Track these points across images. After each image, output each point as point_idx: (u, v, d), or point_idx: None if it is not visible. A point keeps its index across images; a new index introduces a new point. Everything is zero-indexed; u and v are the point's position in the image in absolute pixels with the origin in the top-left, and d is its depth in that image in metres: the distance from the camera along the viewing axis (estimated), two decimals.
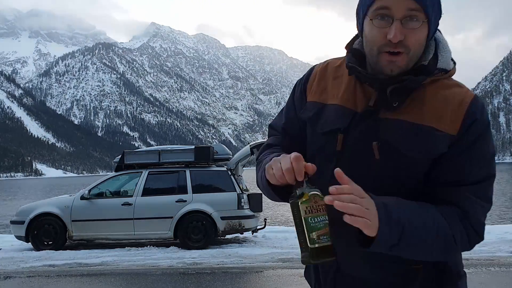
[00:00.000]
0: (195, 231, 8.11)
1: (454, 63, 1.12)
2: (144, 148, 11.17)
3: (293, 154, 0.97)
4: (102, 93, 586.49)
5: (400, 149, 1.02)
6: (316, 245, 0.89)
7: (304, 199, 0.90)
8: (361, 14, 1.07)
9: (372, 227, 0.90)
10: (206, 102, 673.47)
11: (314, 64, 1.29)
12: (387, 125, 1.05)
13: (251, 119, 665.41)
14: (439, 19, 1.06)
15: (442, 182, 1.03)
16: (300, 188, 0.93)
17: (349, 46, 1.16)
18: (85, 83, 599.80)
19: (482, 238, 1.03)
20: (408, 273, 1.06)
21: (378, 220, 0.90)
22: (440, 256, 1.00)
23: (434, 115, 1.03)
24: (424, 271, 1.06)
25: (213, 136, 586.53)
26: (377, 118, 1.06)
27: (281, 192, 1.06)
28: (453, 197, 1.01)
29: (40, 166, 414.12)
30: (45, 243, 8.25)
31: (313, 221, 0.89)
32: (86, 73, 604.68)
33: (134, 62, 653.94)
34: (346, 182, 0.91)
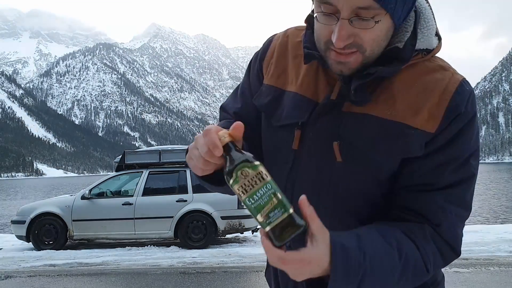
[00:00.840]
0: (196, 230, 8.13)
1: (439, 38, 0.89)
2: (144, 148, 11.20)
3: (205, 129, 0.75)
4: (102, 93, 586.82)
5: (365, 151, 0.84)
6: (270, 226, 0.68)
7: (232, 179, 0.70)
8: None
9: (319, 272, 0.73)
10: (207, 102, 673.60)
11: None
12: (351, 121, 0.85)
13: None
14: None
15: (410, 186, 0.85)
16: (225, 167, 0.72)
17: (309, 20, 0.91)
18: (86, 83, 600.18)
19: (458, 254, 0.86)
20: None
21: (332, 270, 0.72)
22: (410, 285, 0.82)
23: (409, 109, 0.83)
24: None
25: None
26: (340, 112, 0.86)
27: (219, 179, 0.82)
28: (423, 207, 0.83)
29: (41, 166, 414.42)
30: (46, 242, 8.27)
31: (254, 200, 0.69)
32: (86, 73, 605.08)
33: (135, 63, 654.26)
34: (307, 216, 0.70)
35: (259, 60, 1.01)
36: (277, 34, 1.03)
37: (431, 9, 0.87)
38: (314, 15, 0.82)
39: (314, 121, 0.88)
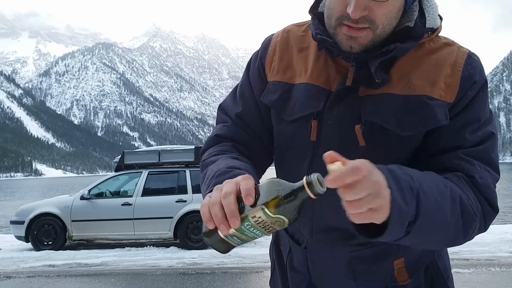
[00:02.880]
0: (195, 231, 8.10)
1: (441, 18, 0.92)
2: (144, 148, 11.18)
3: (223, 193, 0.69)
4: (102, 93, 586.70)
5: (390, 129, 0.84)
6: (226, 239, 0.73)
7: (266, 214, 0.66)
8: None
9: (381, 211, 0.65)
10: (206, 102, 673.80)
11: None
12: (371, 103, 0.85)
13: None
14: None
15: (437, 151, 0.85)
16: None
17: (313, 10, 0.93)
18: (85, 83, 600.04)
19: (497, 211, 0.84)
20: None
21: (392, 194, 0.66)
22: (460, 234, 0.78)
23: (425, 82, 0.84)
24: (412, 282, 0.91)
25: None
26: (357, 97, 0.86)
27: None
28: (454, 163, 0.83)
29: (40, 166, 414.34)
30: (45, 243, 8.24)
31: (249, 230, 0.69)
32: (86, 73, 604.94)
33: (134, 62, 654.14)
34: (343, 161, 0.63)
35: (259, 59, 0.99)
36: (275, 33, 1.02)
37: None
38: None
39: (331, 109, 0.86)
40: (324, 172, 0.65)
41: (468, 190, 0.80)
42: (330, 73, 0.89)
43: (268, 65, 0.97)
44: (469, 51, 0.88)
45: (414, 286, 0.91)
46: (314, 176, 0.63)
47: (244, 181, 0.67)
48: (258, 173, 0.92)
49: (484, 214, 0.80)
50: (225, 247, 0.77)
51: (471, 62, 0.86)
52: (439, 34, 0.90)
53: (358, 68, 0.85)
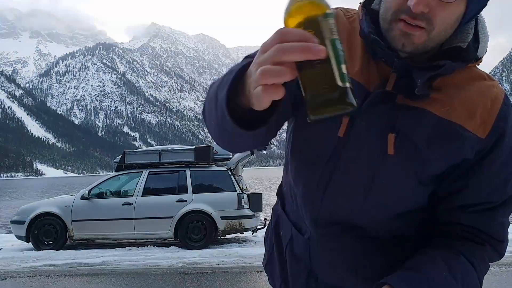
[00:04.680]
0: (195, 231, 8.12)
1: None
2: (144, 148, 11.19)
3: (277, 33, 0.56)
4: (102, 93, 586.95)
5: (418, 146, 0.82)
6: (348, 84, 0.54)
7: (329, 11, 0.55)
8: None
9: None
10: None
11: None
12: (408, 114, 0.82)
13: None
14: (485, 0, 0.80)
15: (470, 205, 0.84)
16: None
17: (366, 5, 0.88)
18: (86, 83, 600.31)
19: (502, 256, 0.89)
20: None
21: None
22: None
23: (464, 110, 0.81)
24: None
25: None
26: (395, 104, 0.83)
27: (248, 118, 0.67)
28: (487, 226, 0.85)
29: (40, 166, 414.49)
30: (46, 243, 8.25)
31: (342, 48, 0.55)
32: (86, 73, 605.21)
33: (135, 62, 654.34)
34: None
35: None
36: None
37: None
38: None
39: (367, 110, 0.83)
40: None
41: (484, 264, 0.85)
42: (371, 73, 0.85)
43: None
44: (505, 92, 0.87)
45: None
46: None
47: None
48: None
49: (492, 260, 0.88)
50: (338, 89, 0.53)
51: (508, 103, 0.84)
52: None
53: (400, 76, 0.82)
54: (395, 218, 0.87)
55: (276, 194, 1.11)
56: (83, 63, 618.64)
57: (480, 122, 0.81)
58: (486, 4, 0.80)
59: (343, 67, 0.54)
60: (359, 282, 0.90)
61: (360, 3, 0.90)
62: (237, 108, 0.66)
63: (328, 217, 0.89)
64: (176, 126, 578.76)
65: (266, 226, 0.93)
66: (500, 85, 0.88)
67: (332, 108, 0.54)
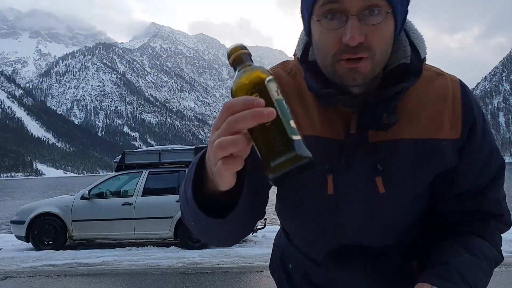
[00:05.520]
0: None
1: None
2: (144, 148, 11.18)
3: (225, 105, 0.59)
4: (102, 93, 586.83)
5: (409, 174, 0.85)
6: (299, 137, 0.57)
7: (270, 77, 0.60)
8: (306, 14, 0.82)
9: None
10: (206, 102, 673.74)
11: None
12: (386, 151, 0.84)
13: None
14: (407, 3, 0.82)
15: (462, 193, 0.90)
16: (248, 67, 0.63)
17: (300, 58, 0.89)
18: (86, 83, 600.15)
19: (511, 226, 0.95)
20: None
21: None
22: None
23: (433, 123, 0.84)
24: None
25: None
26: (369, 144, 0.84)
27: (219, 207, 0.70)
28: (484, 207, 0.90)
29: (40, 166, 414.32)
30: (46, 243, 8.26)
31: (286, 105, 0.59)
32: (86, 73, 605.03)
33: (135, 62, 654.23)
34: None
35: None
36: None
37: None
38: (317, 21, 0.78)
39: (346, 162, 0.85)
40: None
41: (496, 236, 0.91)
42: (335, 122, 0.86)
43: None
44: (459, 80, 0.89)
45: None
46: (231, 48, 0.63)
47: (232, 101, 0.58)
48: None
49: (502, 232, 0.94)
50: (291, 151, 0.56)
51: (465, 92, 0.87)
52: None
53: (362, 113, 0.83)
54: (405, 229, 0.92)
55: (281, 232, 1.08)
56: (83, 63, 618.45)
57: (450, 125, 0.84)
58: (407, 11, 0.82)
59: (291, 122, 0.56)
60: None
61: (294, 55, 0.91)
62: (207, 201, 0.68)
63: (341, 249, 0.91)
64: (176, 126, 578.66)
65: (270, 261, 1.04)
66: (450, 75, 0.89)
67: (288, 163, 0.55)
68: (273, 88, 0.59)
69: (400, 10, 0.79)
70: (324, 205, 0.89)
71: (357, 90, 0.83)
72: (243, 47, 0.63)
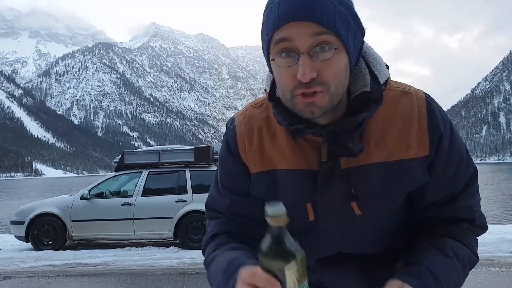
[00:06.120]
0: (195, 231, 8.11)
1: (387, 66, 0.93)
2: (144, 148, 11.17)
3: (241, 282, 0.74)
4: (102, 93, 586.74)
5: (382, 195, 0.91)
6: None
7: (290, 264, 0.68)
8: (265, 53, 0.86)
9: None
10: (206, 102, 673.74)
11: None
12: (357, 177, 0.89)
13: None
14: (362, 36, 0.86)
15: (435, 202, 0.94)
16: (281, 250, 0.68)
17: (271, 98, 0.93)
18: (85, 83, 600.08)
19: (487, 229, 0.99)
20: None
21: None
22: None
23: (400, 145, 0.89)
24: None
25: (213, 136, 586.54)
26: (341, 171, 0.90)
27: None
28: (456, 212, 0.94)
29: (40, 166, 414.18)
30: (45, 243, 8.25)
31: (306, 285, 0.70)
32: (86, 73, 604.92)
33: (134, 62, 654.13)
34: None
35: (234, 151, 0.99)
36: (235, 122, 1.01)
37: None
38: (273, 60, 0.83)
39: (321, 191, 0.91)
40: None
41: (470, 238, 0.94)
42: (307, 152, 0.91)
43: (244, 158, 0.97)
44: (425, 95, 0.92)
45: None
46: (266, 208, 0.68)
47: (253, 279, 0.71)
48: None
49: (478, 236, 0.97)
50: None
51: (431, 109, 0.90)
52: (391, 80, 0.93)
53: (331, 142, 0.87)
54: (387, 239, 0.98)
55: None
56: (83, 63, 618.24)
57: (418, 144, 0.88)
58: (363, 42, 0.86)
59: None
60: None
61: (264, 89, 0.97)
62: None
63: (328, 257, 0.98)
64: (175, 126, 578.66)
65: None
66: (416, 92, 0.92)
67: None
68: (290, 278, 0.67)
69: (353, 43, 0.82)
70: (308, 228, 0.95)
71: (323, 120, 0.86)
72: (287, 219, 0.68)
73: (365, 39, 0.87)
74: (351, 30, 0.81)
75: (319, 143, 0.89)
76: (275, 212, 0.68)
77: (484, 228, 0.97)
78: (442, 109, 0.93)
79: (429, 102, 0.91)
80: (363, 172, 0.88)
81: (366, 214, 0.91)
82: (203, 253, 1.02)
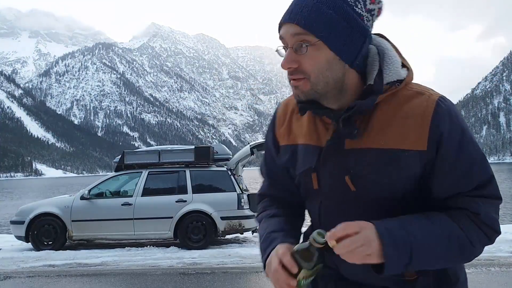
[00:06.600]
0: (195, 231, 8.11)
1: (409, 69, 1.04)
2: (144, 148, 11.17)
3: (275, 262, 0.99)
4: (102, 93, 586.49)
5: (372, 178, 1.00)
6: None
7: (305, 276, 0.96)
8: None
9: (373, 256, 0.91)
10: (206, 102, 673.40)
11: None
12: (354, 156, 1.02)
13: (251, 119, 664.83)
14: (361, 35, 0.99)
15: (444, 197, 1.00)
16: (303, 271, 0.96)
17: None
18: (85, 83, 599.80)
19: (499, 232, 1.00)
20: (405, 283, 1.05)
21: (382, 246, 0.90)
22: (460, 260, 1.00)
23: (398, 136, 0.99)
24: (420, 280, 1.04)
25: (213, 136, 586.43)
26: (343, 151, 1.03)
27: None
28: (460, 204, 0.99)
29: (40, 166, 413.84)
30: (45, 243, 8.24)
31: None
32: (86, 73, 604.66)
33: (134, 62, 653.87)
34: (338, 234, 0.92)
35: (271, 130, 1.21)
36: (278, 106, 1.23)
37: (395, 47, 1.06)
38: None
39: (324, 163, 1.06)
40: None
41: (469, 224, 0.96)
42: (320, 131, 1.08)
43: (278, 135, 1.19)
44: (439, 97, 0.99)
45: (423, 285, 1.04)
46: (314, 233, 0.93)
47: (284, 258, 0.97)
48: (299, 218, 1.22)
49: (489, 237, 0.98)
50: None
51: (439, 109, 0.97)
52: (413, 82, 1.04)
53: (338, 124, 1.02)
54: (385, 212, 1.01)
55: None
56: (83, 63, 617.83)
57: (415, 138, 0.97)
58: (360, 47, 0.99)
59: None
60: (371, 275, 1.03)
61: None
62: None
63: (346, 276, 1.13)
64: (175, 126, 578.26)
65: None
66: (431, 93, 1.00)
67: None
68: (301, 274, 0.95)
69: (339, 41, 0.96)
70: (314, 196, 1.11)
71: (333, 105, 1.03)
72: (321, 246, 0.94)
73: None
74: (336, 30, 0.95)
75: (330, 124, 1.05)
76: (316, 238, 0.92)
77: (492, 228, 0.98)
78: (457, 114, 0.98)
79: (440, 103, 0.98)
80: (361, 154, 1.00)
81: (360, 192, 1.02)
82: (258, 202, 1.29)
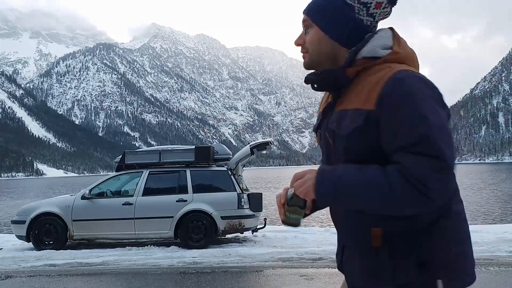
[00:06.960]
0: (196, 230, 8.13)
1: (390, 48, 1.24)
2: (144, 148, 11.18)
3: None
4: (103, 93, 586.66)
5: (343, 132, 1.21)
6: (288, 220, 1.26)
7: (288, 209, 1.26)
8: None
9: (311, 192, 1.17)
10: (207, 102, 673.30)
11: None
12: (334, 116, 1.27)
13: (251, 119, 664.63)
14: (340, 17, 1.25)
15: (387, 151, 1.17)
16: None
17: None
18: (86, 84, 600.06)
19: (434, 189, 1.08)
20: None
21: (316, 183, 1.16)
22: (380, 205, 1.13)
23: (358, 98, 1.20)
24: (382, 251, 1.22)
25: (213, 136, 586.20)
26: (333, 113, 1.28)
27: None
28: (395, 158, 1.14)
29: (41, 166, 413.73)
30: (46, 242, 8.26)
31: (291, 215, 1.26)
32: (87, 74, 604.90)
33: (135, 63, 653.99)
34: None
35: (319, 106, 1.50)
36: None
37: (396, 36, 1.28)
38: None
39: (320, 124, 1.36)
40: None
41: (396, 175, 1.11)
42: (327, 99, 1.36)
43: (320, 105, 1.48)
44: (399, 70, 1.18)
45: (402, 269, 1.20)
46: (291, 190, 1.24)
47: (283, 191, 1.26)
48: None
49: (420, 190, 1.08)
50: (294, 219, 1.25)
51: (393, 77, 1.16)
52: (399, 64, 1.22)
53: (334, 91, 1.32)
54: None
55: None
56: (84, 63, 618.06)
57: (365, 99, 1.18)
58: (344, 26, 1.27)
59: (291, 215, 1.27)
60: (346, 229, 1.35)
61: None
62: None
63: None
64: (176, 126, 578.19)
65: None
66: (395, 71, 1.18)
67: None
68: (288, 210, 1.26)
69: (330, 25, 1.26)
70: (322, 151, 1.39)
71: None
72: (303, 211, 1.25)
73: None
74: (326, 15, 1.27)
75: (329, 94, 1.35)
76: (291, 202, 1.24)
77: (421, 182, 1.07)
78: (411, 83, 1.14)
79: (396, 73, 1.17)
80: (339, 114, 1.25)
81: (337, 147, 1.26)
82: None
